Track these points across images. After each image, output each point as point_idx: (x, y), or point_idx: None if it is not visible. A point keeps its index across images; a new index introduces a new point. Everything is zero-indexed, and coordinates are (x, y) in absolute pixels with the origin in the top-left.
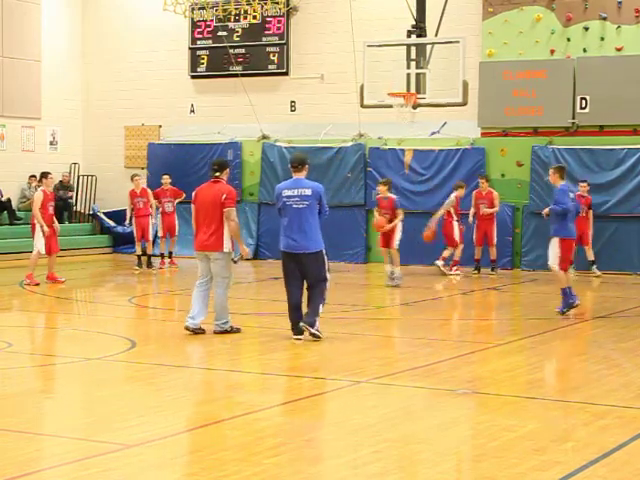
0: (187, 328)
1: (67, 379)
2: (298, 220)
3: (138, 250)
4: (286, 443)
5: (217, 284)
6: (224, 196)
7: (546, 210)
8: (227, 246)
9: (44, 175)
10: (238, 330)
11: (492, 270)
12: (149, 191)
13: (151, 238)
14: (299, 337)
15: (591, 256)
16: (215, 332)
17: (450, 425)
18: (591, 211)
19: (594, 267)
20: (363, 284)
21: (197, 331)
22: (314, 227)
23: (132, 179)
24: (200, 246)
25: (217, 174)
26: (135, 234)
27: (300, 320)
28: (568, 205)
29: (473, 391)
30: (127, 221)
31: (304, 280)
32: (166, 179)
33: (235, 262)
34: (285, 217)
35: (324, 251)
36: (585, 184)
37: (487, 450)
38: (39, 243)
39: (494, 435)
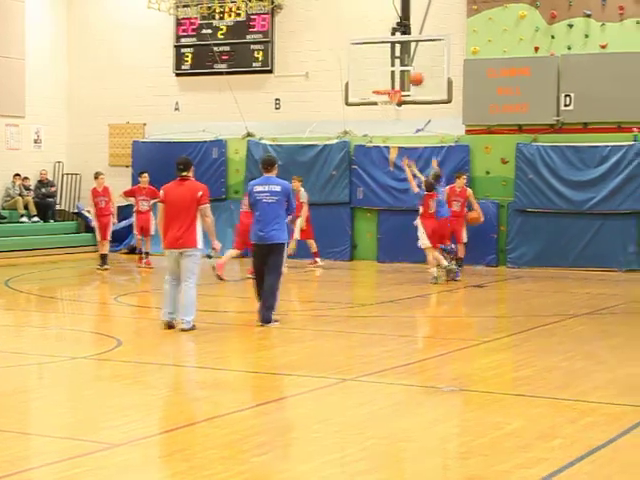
0: (168, 324)
1: (53, 378)
2: (268, 213)
3: (103, 249)
4: (272, 441)
5: (187, 280)
6: (200, 193)
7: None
8: (200, 242)
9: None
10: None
11: (459, 267)
12: (110, 190)
13: (109, 237)
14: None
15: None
16: (183, 330)
17: (436, 422)
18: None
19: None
20: (349, 281)
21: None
22: (282, 221)
23: (96, 177)
24: (173, 243)
25: (184, 173)
26: (98, 233)
27: None
28: None
29: (459, 388)
30: (94, 221)
31: None
32: (144, 177)
33: (211, 257)
34: (257, 211)
35: (286, 246)
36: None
37: (473, 447)
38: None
39: (480, 432)
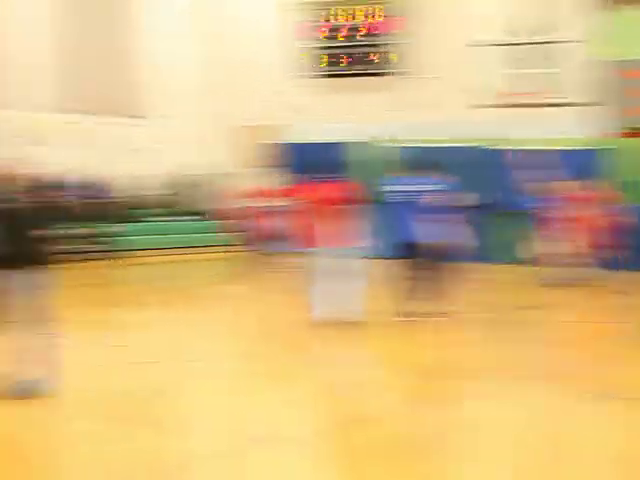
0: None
1: (207, 375)
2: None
3: None
4: (431, 445)
5: (346, 277)
6: (349, 193)
7: None
8: (356, 241)
9: None
10: None
11: None
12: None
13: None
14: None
15: None
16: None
17: (604, 430)
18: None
19: None
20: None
21: None
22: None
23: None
24: (327, 242)
25: (331, 174)
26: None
27: None
28: None
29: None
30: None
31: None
32: (287, 178)
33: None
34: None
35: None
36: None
37: None
38: None
39: None
